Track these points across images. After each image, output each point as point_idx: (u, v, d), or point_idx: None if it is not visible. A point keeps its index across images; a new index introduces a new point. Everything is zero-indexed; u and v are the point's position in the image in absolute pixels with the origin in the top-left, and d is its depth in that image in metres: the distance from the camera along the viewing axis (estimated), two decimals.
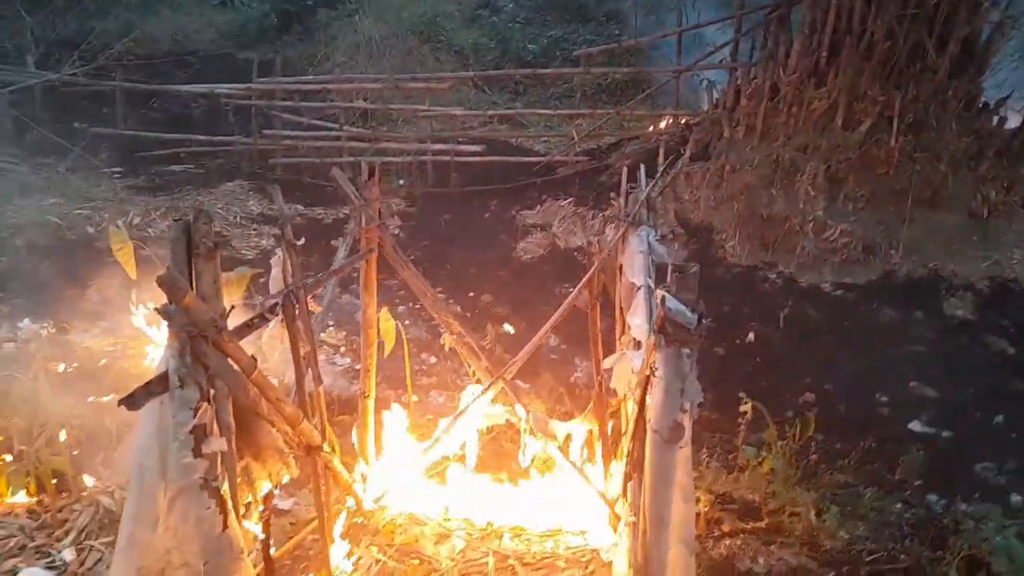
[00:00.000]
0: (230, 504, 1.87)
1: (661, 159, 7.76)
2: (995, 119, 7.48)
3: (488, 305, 6.49)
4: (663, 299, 1.53)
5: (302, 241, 2.22)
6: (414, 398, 4.72)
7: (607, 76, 11.94)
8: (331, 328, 5.72)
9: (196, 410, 1.74)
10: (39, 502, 3.33)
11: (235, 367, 1.86)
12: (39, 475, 3.37)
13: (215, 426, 1.82)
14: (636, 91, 11.41)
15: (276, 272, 2.22)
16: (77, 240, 6.57)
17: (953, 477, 4.29)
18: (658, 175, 2.74)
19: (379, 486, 3.40)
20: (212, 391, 1.81)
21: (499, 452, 4.01)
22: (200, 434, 1.76)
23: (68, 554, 3.08)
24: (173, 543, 1.81)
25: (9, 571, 2.95)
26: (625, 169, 2.79)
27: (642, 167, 2.75)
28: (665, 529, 1.75)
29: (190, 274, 1.75)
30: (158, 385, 1.73)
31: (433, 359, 5.46)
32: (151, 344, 4.19)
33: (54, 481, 3.40)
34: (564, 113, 10.29)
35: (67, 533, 3.20)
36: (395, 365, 4.75)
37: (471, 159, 9.15)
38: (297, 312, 2.26)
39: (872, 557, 3.30)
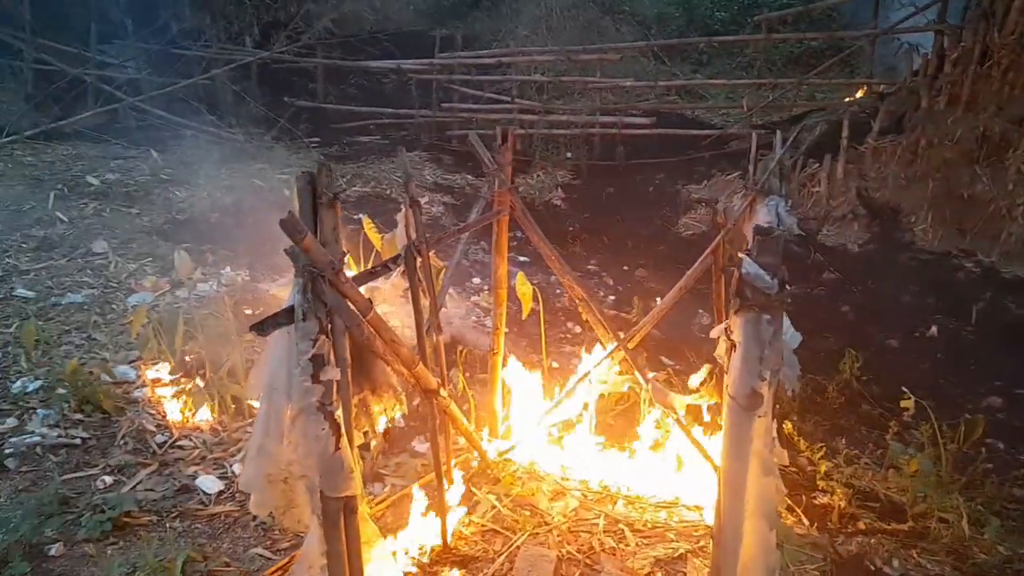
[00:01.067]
0: (343, 428, 2.08)
1: (845, 132, 7.18)
2: None
3: (641, 279, 6.43)
4: (740, 262, 1.49)
5: (426, 199, 2.38)
6: (554, 364, 4.84)
7: (799, 42, 11.16)
8: (485, 292, 5.98)
9: (315, 341, 1.96)
10: (220, 422, 3.87)
11: (352, 307, 2.06)
12: (221, 399, 3.91)
13: (332, 357, 2.03)
14: (830, 59, 10.54)
15: (400, 228, 2.40)
16: (276, 201, 7.38)
17: None
18: (789, 143, 2.58)
19: (504, 439, 3.57)
20: (330, 326, 2.02)
21: (632, 421, 4.03)
22: (318, 362, 1.98)
23: (238, 468, 3.56)
24: (294, 456, 2.06)
25: (190, 475, 3.47)
26: (754, 135, 2.66)
27: (778, 133, 2.60)
28: (740, 500, 1.71)
29: (315, 221, 1.96)
30: (285, 317, 1.96)
31: (578, 328, 5.54)
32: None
33: (233, 406, 3.93)
34: (741, 83, 9.78)
35: (240, 451, 3.69)
36: (533, 328, 4.90)
37: (639, 131, 9.01)
38: (419, 265, 2.44)
39: None
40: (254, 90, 10.34)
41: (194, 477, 3.47)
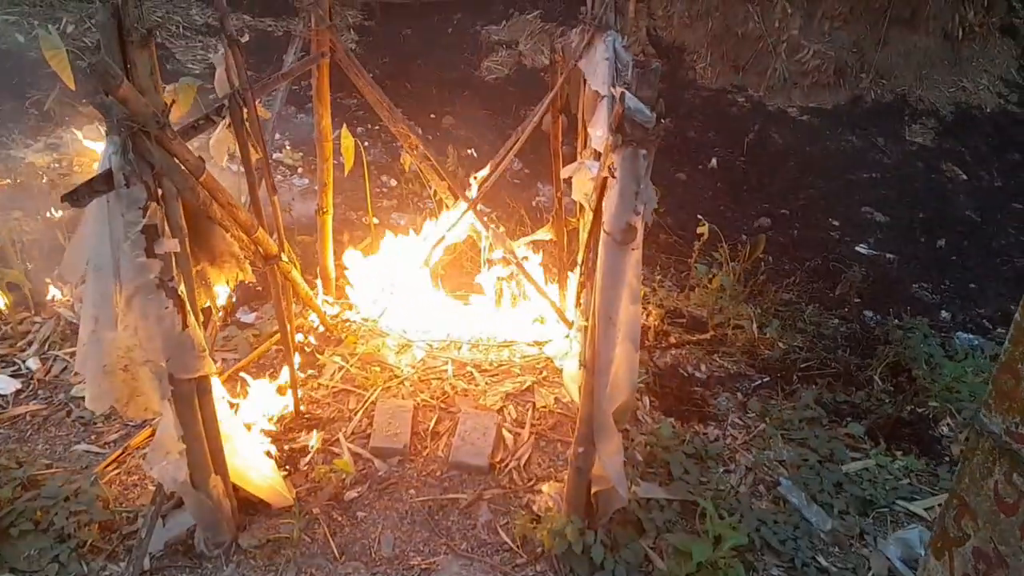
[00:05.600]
0: (188, 304, 1.89)
1: None
2: None
3: (451, 127, 6.31)
4: (622, 96, 1.49)
5: (246, 38, 2.07)
6: (375, 220, 4.70)
7: None
8: (287, 148, 5.54)
9: (145, 209, 1.70)
10: None
11: (182, 167, 1.80)
12: None
13: (166, 227, 1.79)
14: None
15: (220, 72, 2.09)
16: (8, 50, 6.07)
17: (891, 296, 4.54)
18: None
19: (342, 301, 3.48)
20: (160, 191, 1.76)
21: (460, 271, 4.09)
22: (152, 234, 1.74)
23: (33, 363, 3.14)
24: (135, 341, 1.85)
25: None
26: None
27: None
28: (612, 327, 1.83)
29: (125, 65, 1.64)
30: (102, 183, 1.67)
31: (393, 181, 5.38)
32: (98, 161, 4.03)
33: (11, 295, 3.39)
34: None
35: (30, 344, 3.24)
36: (355, 185, 4.67)
37: None
38: (245, 115, 2.16)
39: (805, 364, 3.54)
40: None
41: None
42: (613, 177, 1.55)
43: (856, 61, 6.78)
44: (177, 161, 1.76)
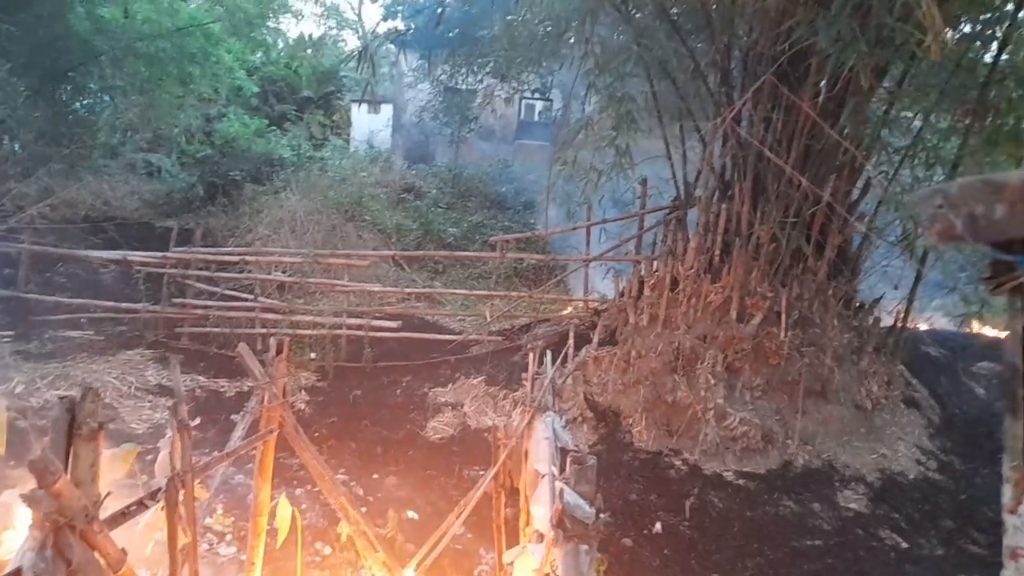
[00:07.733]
0: None
1: (571, 342, 8.04)
2: (871, 318, 8.24)
3: (393, 488, 6.23)
4: (561, 492, 1.54)
5: (197, 421, 2.13)
6: None
7: (522, 261, 12.60)
8: (219, 512, 5.31)
9: None
10: None
11: (101, 561, 1.70)
12: None
13: None
14: (548, 276, 12.03)
15: (164, 455, 2.10)
16: None
17: None
18: (559, 359, 2.83)
19: None
20: None
21: None
22: None
23: None
24: None
25: None
26: (533, 354, 2.87)
27: (548, 353, 2.84)
28: None
29: (67, 454, 1.65)
30: None
31: (328, 549, 5.10)
32: (10, 530, 3.76)
33: None
34: (479, 294, 10.66)
35: None
36: (285, 555, 4.40)
37: (386, 334, 9.19)
38: (181, 499, 2.12)
39: None
40: None
41: None
42: (554, 573, 1.52)
43: (781, 428, 7.22)
44: (97, 555, 1.67)
